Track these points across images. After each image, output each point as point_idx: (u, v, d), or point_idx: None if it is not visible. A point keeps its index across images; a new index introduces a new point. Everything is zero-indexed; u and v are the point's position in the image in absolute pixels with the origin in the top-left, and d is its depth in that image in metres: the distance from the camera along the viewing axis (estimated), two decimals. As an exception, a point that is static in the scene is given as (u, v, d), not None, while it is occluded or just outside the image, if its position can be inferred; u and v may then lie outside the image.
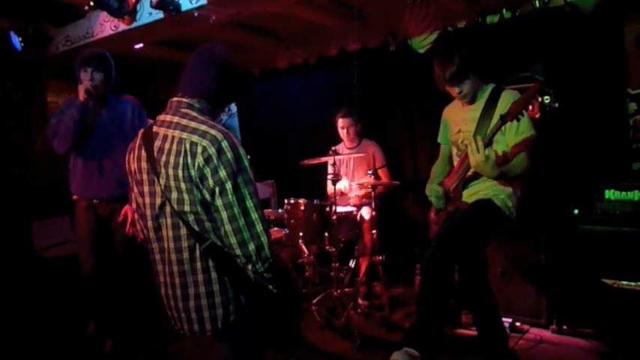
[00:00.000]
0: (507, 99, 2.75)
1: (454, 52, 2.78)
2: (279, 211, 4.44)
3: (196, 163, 1.73)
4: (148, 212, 1.88)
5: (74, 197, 3.52)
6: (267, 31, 4.91)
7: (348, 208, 4.30)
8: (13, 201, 4.67)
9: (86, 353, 3.68)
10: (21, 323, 4.02)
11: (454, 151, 3.09)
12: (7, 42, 4.27)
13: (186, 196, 1.76)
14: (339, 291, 3.99)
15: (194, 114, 1.84)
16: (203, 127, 1.77)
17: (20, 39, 4.28)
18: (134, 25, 3.83)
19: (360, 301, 4.10)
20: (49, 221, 4.78)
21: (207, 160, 1.72)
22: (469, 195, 2.94)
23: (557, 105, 3.64)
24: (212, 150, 1.72)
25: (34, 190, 4.92)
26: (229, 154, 1.74)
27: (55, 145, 3.35)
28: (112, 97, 3.48)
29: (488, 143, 2.62)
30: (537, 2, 3.78)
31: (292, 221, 4.05)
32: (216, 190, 1.74)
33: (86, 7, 3.93)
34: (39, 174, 5.08)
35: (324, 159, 4.22)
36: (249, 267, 1.79)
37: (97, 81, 3.28)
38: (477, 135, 2.79)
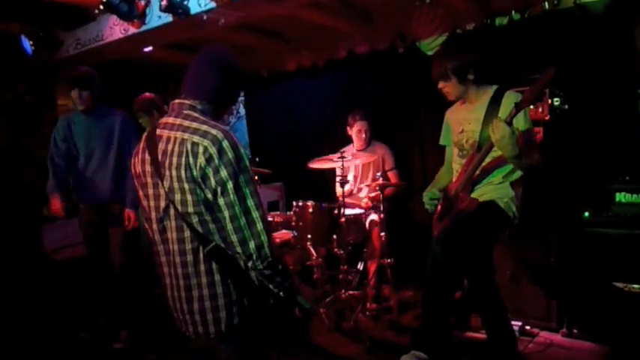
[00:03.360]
0: (511, 99, 2.76)
1: (444, 55, 2.88)
2: (288, 213, 4.44)
3: (198, 163, 1.74)
4: (153, 215, 1.90)
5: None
6: (275, 34, 4.93)
7: (357, 211, 4.30)
8: (23, 203, 4.71)
9: (94, 354, 3.71)
10: (31, 325, 4.05)
11: (455, 152, 3.08)
12: (19, 45, 4.32)
13: (189, 197, 1.77)
14: (347, 293, 3.99)
15: (195, 115, 1.85)
16: (204, 128, 1.78)
17: (31, 42, 4.32)
18: (144, 28, 3.86)
19: (368, 303, 4.09)
20: (59, 224, 4.81)
21: (209, 160, 1.73)
22: (475, 197, 2.93)
23: (566, 107, 3.62)
24: (213, 150, 1.73)
25: (44, 192, 4.95)
26: (230, 154, 1.74)
27: None
28: (102, 108, 3.81)
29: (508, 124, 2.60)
30: (547, 4, 3.76)
31: (300, 223, 4.06)
32: (218, 189, 1.75)
33: (96, 11, 3.97)
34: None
35: (332, 157, 4.20)
36: (250, 265, 1.80)
37: (84, 98, 3.66)
38: (482, 135, 2.80)
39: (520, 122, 2.72)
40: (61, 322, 4.15)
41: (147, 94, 4.19)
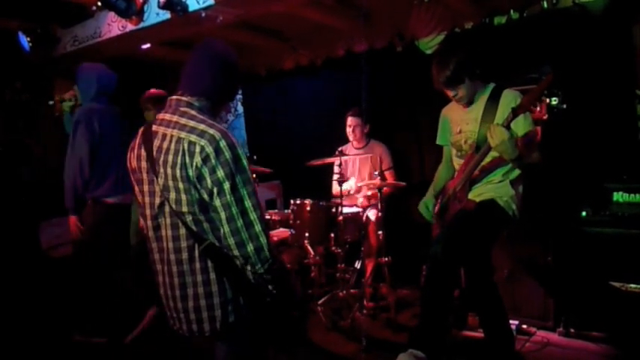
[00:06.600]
0: (508, 98, 2.77)
1: (451, 57, 2.78)
2: (285, 211, 4.44)
3: (194, 163, 1.71)
4: (148, 212, 1.87)
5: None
6: (274, 32, 4.92)
7: (355, 209, 4.30)
8: (21, 201, 4.69)
9: (89, 352, 3.70)
10: (27, 323, 4.04)
11: (454, 152, 3.08)
12: (16, 42, 4.30)
13: (184, 196, 1.74)
14: (344, 292, 3.99)
15: (193, 112, 1.82)
16: (201, 126, 1.74)
17: (29, 39, 4.30)
18: (141, 25, 3.84)
19: (365, 302, 4.09)
20: (56, 221, 4.79)
21: (205, 159, 1.70)
22: (473, 197, 2.93)
23: (565, 106, 3.61)
24: (210, 149, 1.70)
25: (42, 190, 4.94)
26: (227, 154, 1.72)
27: None
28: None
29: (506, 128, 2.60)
30: (545, 3, 3.76)
31: (298, 222, 4.05)
32: (215, 190, 1.72)
33: (94, 8, 3.96)
34: (47, 174, 5.10)
35: (330, 160, 4.22)
36: (249, 268, 1.78)
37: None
38: (480, 135, 2.79)
39: (519, 126, 2.72)
40: (56, 321, 4.13)
41: (154, 89, 4.10)
